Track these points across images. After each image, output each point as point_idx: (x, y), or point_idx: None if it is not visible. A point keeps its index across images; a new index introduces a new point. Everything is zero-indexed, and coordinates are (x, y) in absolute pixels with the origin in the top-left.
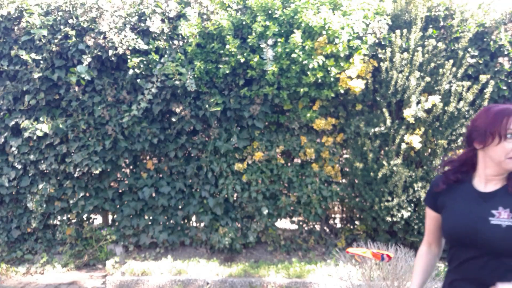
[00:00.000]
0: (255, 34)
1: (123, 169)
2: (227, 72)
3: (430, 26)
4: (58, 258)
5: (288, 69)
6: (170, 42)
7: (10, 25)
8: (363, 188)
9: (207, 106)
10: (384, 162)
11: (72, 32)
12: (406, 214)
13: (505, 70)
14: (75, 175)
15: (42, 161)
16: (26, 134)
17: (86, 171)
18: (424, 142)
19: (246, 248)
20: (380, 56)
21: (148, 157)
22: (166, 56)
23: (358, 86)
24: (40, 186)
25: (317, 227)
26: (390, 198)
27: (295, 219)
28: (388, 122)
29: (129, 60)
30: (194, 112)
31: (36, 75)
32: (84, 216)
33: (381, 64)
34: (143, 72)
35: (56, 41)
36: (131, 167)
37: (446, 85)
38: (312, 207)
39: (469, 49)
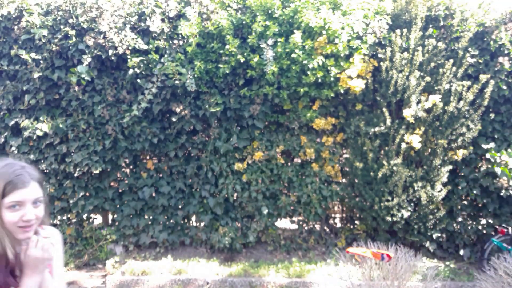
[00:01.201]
0: (255, 34)
1: (123, 169)
2: (227, 72)
3: (430, 25)
4: None
5: (288, 69)
6: (170, 42)
7: (10, 24)
8: (363, 188)
9: (207, 106)
10: (384, 162)
11: (72, 32)
12: (406, 214)
13: (505, 70)
14: (75, 175)
15: (42, 161)
16: (26, 134)
17: (86, 171)
18: (424, 142)
19: (246, 248)
20: (380, 55)
21: (148, 157)
22: (166, 56)
23: (358, 85)
24: None
25: (317, 226)
26: (390, 198)
27: (295, 218)
28: (388, 121)
29: (129, 60)
30: (194, 112)
31: (36, 75)
32: (84, 216)
33: (381, 63)
34: (143, 72)
35: (56, 40)
36: (131, 166)
37: (446, 85)
38: (312, 206)
39: (469, 49)
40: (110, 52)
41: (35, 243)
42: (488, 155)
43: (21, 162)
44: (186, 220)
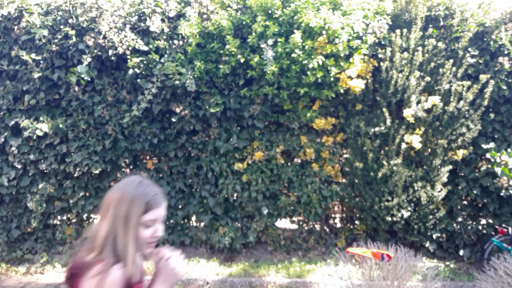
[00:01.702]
0: (255, 34)
1: (123, 169)
2: (227, 72)
3: (430, 25)
4: (58, 257)
5: (288, 69)
6: (170, 42)
7: (10, 25)
8: (363, 188)
9: (207, 106)
10: (384, 162)
11: (72, 32)
12: (406, 214)
13: (505, 70)
14: (75, 175)
15: (42, 161)
16: (26, 134)
17: (86, 171)
18: (424, 142)
19: (246, 248)
20: (380, 55)
21: (148, 157)
22: (166, 56)
23: (358, 85)
24: (40, 186)
25: (317, 227)
26: (390, 198)
27: (295, 219)
28: (388, 122)
29: (129, 60)
30: (194, 112)
31: (36, 75)
32: (84, 216)
33: (381, 63)
34: (143, 72)
35: (56, 41)
36: (131, 167)
37: (446, 85)
38: (312, 207)
39: (469, 49)
40: (110, 52)
41: (176, 256)
42: (488, 155)
43: (145, 179)
44: (186, 220)
